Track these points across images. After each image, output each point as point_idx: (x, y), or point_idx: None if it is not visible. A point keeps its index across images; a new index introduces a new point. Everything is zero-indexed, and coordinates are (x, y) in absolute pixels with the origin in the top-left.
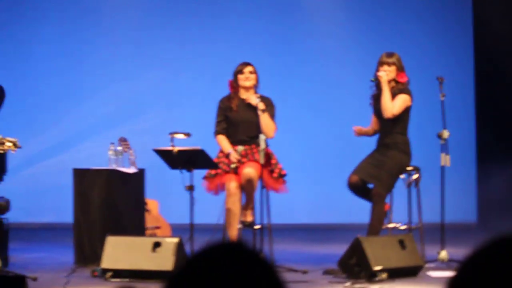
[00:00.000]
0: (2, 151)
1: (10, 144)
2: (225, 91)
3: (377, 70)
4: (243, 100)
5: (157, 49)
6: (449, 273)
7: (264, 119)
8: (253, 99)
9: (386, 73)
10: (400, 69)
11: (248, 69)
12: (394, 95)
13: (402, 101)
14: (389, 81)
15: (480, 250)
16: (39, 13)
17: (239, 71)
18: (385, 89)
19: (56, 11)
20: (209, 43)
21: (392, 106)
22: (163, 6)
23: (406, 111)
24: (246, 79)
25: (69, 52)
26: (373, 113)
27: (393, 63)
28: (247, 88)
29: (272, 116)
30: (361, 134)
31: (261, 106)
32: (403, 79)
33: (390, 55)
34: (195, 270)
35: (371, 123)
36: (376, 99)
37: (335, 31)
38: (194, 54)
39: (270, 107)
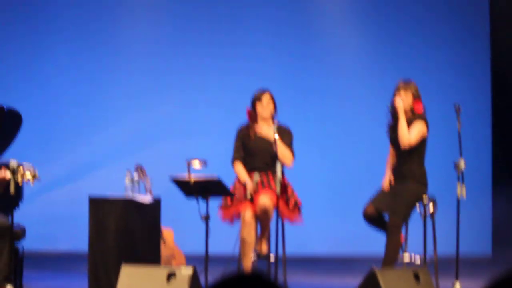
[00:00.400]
0: (20, 181)
1: (29, 176)
2: (242, 120)
3: (394, 97)
4: (259, 132)
5: (175, 78)
6: None
7: (280, 149)
8: (267, 131)
9: (402, 99)
10: (417, 97)
11: (266, 96)
12: (409, 123)
13: (419, 129)
14: (405, 110)
15: (493, 283)
16: (57, 37)
17: (257, 99)
18: (401, 118)
19: (76, 39)
20: (226, 72)
21: (409, 135)
22: (181, 37)
23: (423, 141)
24: (265, 108)
25: (87, 79)
26: (390, 143)
27: (410, 91)
28: (266, 117)
29: (289, 145)
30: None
31: (276, 137)
32: (419, 108)
33: (407, 82)
34: None
35: (390, 154)
36: (392, 128)
37: (351, 61)
38: (211, 83)
39: (287, 136)
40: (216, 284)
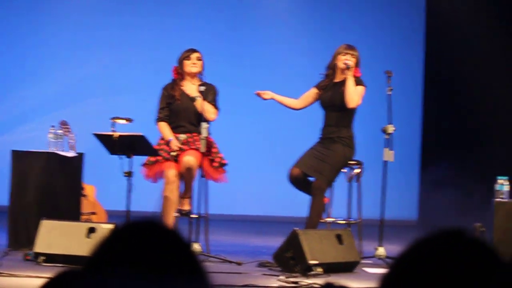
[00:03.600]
0: None
1: None
2: (168, 79)
3: (335, 58)
4: (184, 91)
5: (103, 35)
6: (385, 270)
7: (201, 105)
8: (193, 92)
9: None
10: (359, 63)
11: (195, 55)
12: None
13: (361, 93)
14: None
15: (413, 246)
16: None
17: (185, 57)
18: (351, 78)
19: None
20: (155, 30)
21: (358, 97)
22: None
23: None
24: (193, 65)
25: (12, 31)
26: (308, 93)
27: (355, 55)
28: (192, 75)
29: (213, 100)
30: (271, 97)
31: (197, 97)
32: (359, 73)
33: (352, 47)
34: (113, 245)
35: (299, 98)
36: (326, 90)
37: (287, 18)
38: (139, 41)
39: (212, 91)
40: (119, 229)
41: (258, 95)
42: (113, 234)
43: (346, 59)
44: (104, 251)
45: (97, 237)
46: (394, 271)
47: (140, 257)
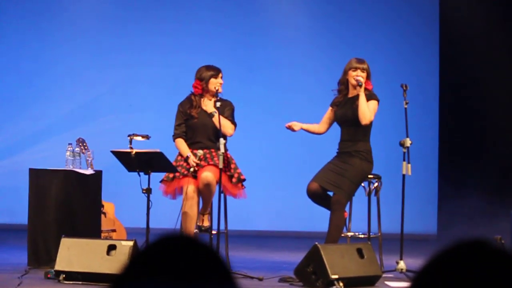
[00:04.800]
0: None
1: None
2: (183, 95)
3: (346, 74)
4: (202, 108)
5: (119, 52)
6: (406, 284)
7: (219, 120)
8: (210, 108)
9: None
10: (369, 76)
11: (220, 74)
12: None
13: (374, 107)
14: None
15: (435, 258)
16: (2, 16)
17: (213, 75)
18: (362, 95)
19: (17, 8)
20: (170, 48)
21: (370, 113)
22: (124, 14)
23: None
24: (220, 84)
25: (28, 50)
26: (326, 114)
27: (366, 69)
28: (212, 93)
29: (230, 115)
30: (298, 129)
31: (214, 113)
32: (370, 86)
33: (361, 61)
34: (149, 259)
35: (320, 122)
36: (340, 105)
37: (297, 36)
38: (154, 59)
39: (228, 107)
40: (151, 244)
41: (289, 127)
42: (144, 249)
43: (356, 75)
44: (132, 267)
45: (117, 254)
46: (417, 284)
47: (172, 270)
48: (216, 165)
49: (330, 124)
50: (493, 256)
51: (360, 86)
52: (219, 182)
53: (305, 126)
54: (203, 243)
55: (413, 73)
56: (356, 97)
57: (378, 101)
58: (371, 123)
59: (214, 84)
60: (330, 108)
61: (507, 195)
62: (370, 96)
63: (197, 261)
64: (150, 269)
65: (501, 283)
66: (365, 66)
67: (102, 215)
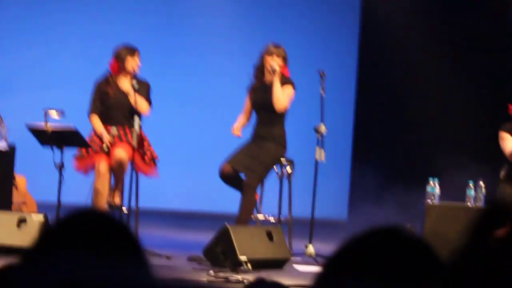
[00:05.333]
0: None
1: None
2: (100, 71)
3: (262, 59)
4: (119, 86)
5: (37, 27)
6: (315, 268)
7: (134, 98)
8: (126, 86)
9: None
10: (285, 62)
11: (138, 53)
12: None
13: (288, 93)
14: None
15: (346, 244)
16: None
17: (130, 53)
18: (277, 82)
19: None
20: (87, 23)
21: (285, 100)
22: None
23: None
24: (137, 64)
25: None
26: (247, 103)
27: (282, 55)
28: (129, 73)
29: (146, 95)
30: (241, 127)
31: (131, 91)
32: (286, 73)
33: (278, 46)
34: (61, 233)
35: (243, 112)
36: (256, 90)
37: (217, 20)
38: (73, 35)
39: (145, 87)
40: (63, 218)
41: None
42: (56, 223)
43: (271, 63)
44: (44, 241)
45: (27, 227)
46: (328, 269)
47: (83, 244)
48: (129, 143)
49: (251, 112)
50: (404, 243)
51: (274, 73)
52: (131, 160)
53: (240, 125)
54: (114, 219)
55: (331, 59)
56: (272, 82)
57: (294, 86)
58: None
59: (131, 63)
60: (248, 95)
61: (420, 183)
62: (285, 82)
63: (109, 235)
64: (62, 243)
65: (412, 269)
66: (281, 51)
67: (14, 188)
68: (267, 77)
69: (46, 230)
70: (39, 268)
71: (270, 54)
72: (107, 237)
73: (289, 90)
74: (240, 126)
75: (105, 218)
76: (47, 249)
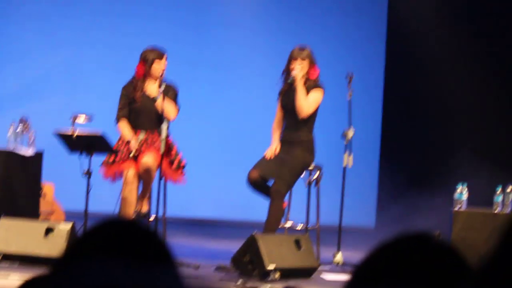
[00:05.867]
0: None
1: None
2: (128, 76)
3: (289, 64)
4: (146, 91)
5: (65, 31)
6: (343, 276)
7: (161, 104)
8: (153, 92)
9: (301, 68)
10: (312, 63)
11: (165, 57)
12: (307, 91)
13: (316, 98)
14: (302, 77)
15: (375, 251)
16: None
17: (157, 57)
18: (299, 88)
19: None
20: (114, 30)
21: (308, 105)
22: None
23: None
24: (161, 67)
25: None
26: (278, 108)
27: (306, 58)
28: (155, 77)
29: (173, 99)
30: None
31: (157, 98)
32: (314, 74)
33: (302, 49)
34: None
35: (276, 119)
36: (285, 94)
37: (245, 22)
38: (99, 39)
39: (172, 91)
40: (94, 227)
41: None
42: (86, 232)
43: (293, 71)
44: (74, 250)
45: (55, 237)
46: (358, 277)
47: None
48: (157, 150)
49: (284, 118)
50: (434, 250)
51: (292, 82)
52: (159, 167)
53: (276, 138)
54: (144, 227)
55: (358, 64)
56: (307, 85)
57: (322, 90)
58: (314, 113)
59: (157, 67)
60: (279, 100)
61: (448, 189)
62: (314, 86)
63: (139, 244)
64: (91, 252)
65: (442, 276)
66: (304, 54)
67: (41, 197)
68: (301, 81)
69: (75, 239)
70: (69, 277)
71: (295, 58)
72: (137, 246)
73: (316, 95)
74: (276, 146)
75: (135, 226)
76: (77, 258)
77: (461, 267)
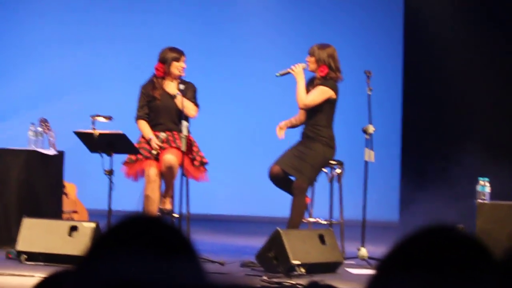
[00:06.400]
0: None
1: None
2: (147, 75)
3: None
4: (165, 89)
5: (83, 31)
6: (368, 271)
7: (181, 102)
8: (173, 90)
9: (308, 64)
10: (320, 61)
11: (183, 58)
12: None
13: (319, 92)
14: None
15: (400, 245)
16: None
17: (175, 58)
18: (298, 81)
19: None
20: (134, 26)
21: (305, 97)
22: None
23: (329, 104)
24: (182, 68)
25: None
26: None
27: (313, 55)
28: (174, 76)
29: (192, 97)
30: (286, 127)
31: (177, 94)
32: (322, 72)
33: (314, 45)
34: (116, 238)
35: (298, 114)
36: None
37: (262, 15)
38: (118, 37)
39: (191, 89)
40: (117, 223)
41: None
42: (111, 229)
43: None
44: (98, 247)
45: (79, 235)
46: (383, 270)
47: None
48: (178, 148)
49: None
50: (459, 242)
51: (277, 76)
52: (181, 165)
53: (287, 123)
54: (169, 223)
55: (377, 60)
56: (315, 81)
57: (328, 86)
58: (329, 109)
59: (176, 67)
60: None
61: (470, 182)
62: (319, 84)
63: (164, 240)
64: (115, 248)
65: (467, 268)
66: (311, 51)
67: (64, 196)
68: (317, 76)
69: (99, 235)
70: (93, 273)
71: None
72: (161, 241)
73: (316, 92)
74: (286, 126)
75: (158, 222)
76: (101, 254)
77: (487, 259)
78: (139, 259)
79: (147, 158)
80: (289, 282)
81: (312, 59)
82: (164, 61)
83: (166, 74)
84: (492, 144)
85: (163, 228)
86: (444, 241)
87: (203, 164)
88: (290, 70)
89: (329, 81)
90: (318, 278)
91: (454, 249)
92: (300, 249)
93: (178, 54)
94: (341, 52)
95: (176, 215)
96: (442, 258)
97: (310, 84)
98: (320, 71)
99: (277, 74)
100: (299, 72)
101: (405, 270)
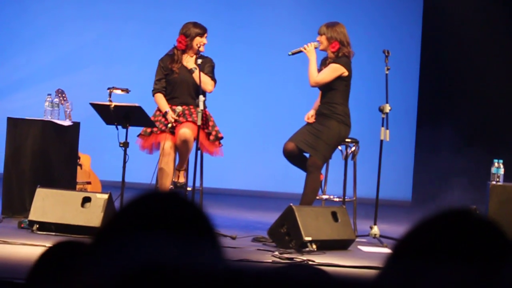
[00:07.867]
0: None
1: None
2: (165, 50)
3: None
4: (183, 63)
5: (100, 5)
6: (380, 249)
7: (199, 76)
8: (191, 64)
9: (320, 43)
10: (332, 39)
11: (206, 34)
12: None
13: (330, 70)
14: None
15: (417, 227)
16: None
17: (199, 34)
18: (310, 59)
19: None
20: (155, 3)
21: (316, 75)
22: None
23: (343, 81)
24: (203, 44)
25: (14, 2)
26: None
27: (323, 33)
28: (194, 51)
29: (210, 72)
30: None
31: (194, 69)
32: (334, 48)
33: (323, 26)
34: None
35: (318, 97)
36: (320, 69)
37: (282, 1)
38: (137, 12)
39: (208, 63)
40: (135, 198)
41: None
42: (129, 203)
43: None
44: (116, 221)
45: (92, 207)
46: (400, 251)
47: (155, 224)
48: (194, 122)
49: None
50: (475, 224)
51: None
52: (196, 139)
53: (313, 112)
54: (185, 200)
55: (395, 40)
56: (328, 60)
57: (340, 64)
58: (343, 86)
59: (198, 42)
60: None
61: (484, 164)
62: (332, 61)
63: (181, 217)
64: (132, 226)
65: (485, 250)
66: (320, 30)
67: (78, 167)
68: (329, 55)
69: (115, 212)
70: (110, 251)
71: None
72: (177, 218)
73: (328, 69)
74: (313, 116)
75: (175, 198)
76: (117, 231)
77: (502, 240)
78: (156, 238)
79: (162, 131)
80: (300, 258)
81: (323, 37)
82: (187, 35)
83: (188, 48)
84: (510, 124)
85: (180, 205)
86: (460, 224)
87: (218, 138)
88: (302, 49)
89: (341, 58)
90: (330, 255)
91: (470, 232)
92: (312, 225)
93: (202, 30)
94: (359, 32)
95: (189, 189)
96: (458, 241)
97: (323, 64)
98: (331, 47)
99: (290, 53)
100: (311, 51)
101: (421, 253)
